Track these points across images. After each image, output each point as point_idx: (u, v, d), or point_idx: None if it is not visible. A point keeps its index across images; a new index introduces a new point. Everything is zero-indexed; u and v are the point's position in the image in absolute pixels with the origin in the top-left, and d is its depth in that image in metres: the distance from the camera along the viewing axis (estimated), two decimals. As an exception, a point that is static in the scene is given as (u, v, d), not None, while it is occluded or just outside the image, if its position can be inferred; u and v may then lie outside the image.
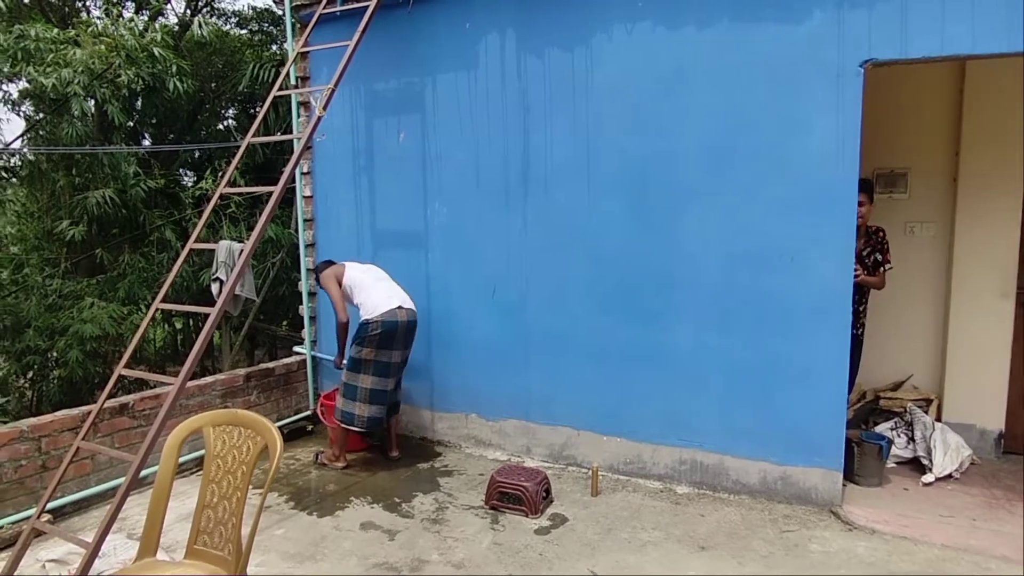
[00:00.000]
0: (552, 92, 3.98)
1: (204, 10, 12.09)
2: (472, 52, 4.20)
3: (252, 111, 11.61)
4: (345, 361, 4.11)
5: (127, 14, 9.34)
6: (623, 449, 4.00)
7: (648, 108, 3.72)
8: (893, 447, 4.00)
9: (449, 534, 3.30)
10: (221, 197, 3.72)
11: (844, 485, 3.50)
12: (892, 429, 4.18)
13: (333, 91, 3.63)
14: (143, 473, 2.91)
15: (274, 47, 11.59)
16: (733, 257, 3.58)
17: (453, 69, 4.29)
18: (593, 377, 4.04)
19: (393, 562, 3.03)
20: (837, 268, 3.34)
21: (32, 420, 3.41)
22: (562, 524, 3.40)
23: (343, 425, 4.05)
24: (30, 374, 9.07)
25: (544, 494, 3.58)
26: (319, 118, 3.58)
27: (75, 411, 3.57)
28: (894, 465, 4.02)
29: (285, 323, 10.88)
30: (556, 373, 4.16)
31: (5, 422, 4.60)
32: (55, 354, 8.42)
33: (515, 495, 3.51)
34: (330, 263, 4.29)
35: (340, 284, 4.10)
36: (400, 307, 3.99)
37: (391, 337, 3.95)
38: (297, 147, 3.60)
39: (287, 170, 3.46)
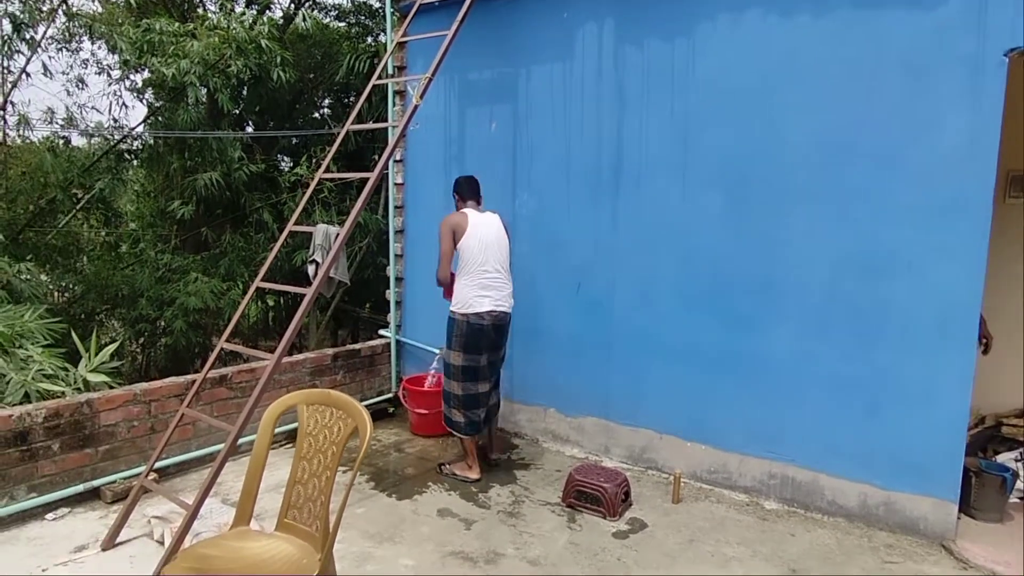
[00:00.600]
0: (650, 84, 3.85)
1: (307, 3, 12.60)
2: (568, 42, 4.12)
3: (346, 101, 12.02)
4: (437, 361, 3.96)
5: (238, 8, 9.84)
6: (707, 457, 3.84)
7: (753, 102, 3.52)
8: (1018, 480, 3.63)
9: (525, 529, 3.28)
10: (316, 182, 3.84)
11: (958, 518, 3.20)
12: (1017, 460, 3.80)
13: (430, 80, 3.65)
14: (238, 442, 3.04)
15: (369, 39, 11.95)
16: (841, 262, 3.33)
17: (548, 60, 4.23)
18: (679, 379, 3.90)
19: (469, 552, 3.03)
20: (964, 279, 3.04)
21: (144, 385, 3.66)
22: (641, 530, 3.30)
23: (458, 435, 3.83)
24: (141, 340, 9.80)
25: (623, 496, 3.49)
26: (415, 106, 3.61)
27: (181, 379, 3.79)
28: (1017, 500, 3.64)
29: (368, 305, 11.21)
30: (640, 373, 4.04)
31: (120, 384, 5.00)
32: (163, 323, 9.05)
33: (593, 495, 3.44)
34: (458, 192, 3.87)
35: (455, 241, 3.66)
36: (492, 311, 3.66)
37: (477, 339, 3.68)
38: (393, 135, 3.66)
39: (383, 157, 3.52)
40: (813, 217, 3.39)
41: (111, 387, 4.49)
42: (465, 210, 3.79)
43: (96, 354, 4.12)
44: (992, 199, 2.99)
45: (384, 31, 11.93)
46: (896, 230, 3.19)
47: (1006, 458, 3.83)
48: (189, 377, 3.81)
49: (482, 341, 3.71)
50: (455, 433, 3.85)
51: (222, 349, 3.42)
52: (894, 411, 3.26)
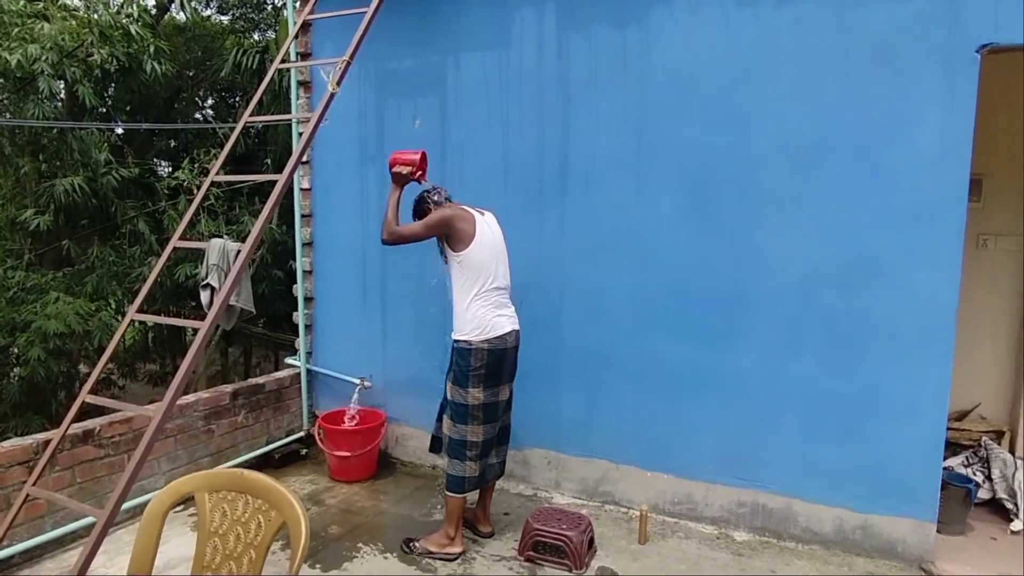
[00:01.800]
0: (598, 76, 3.46)
1: (184, -9, 11.44)
2: (504, 28, 3.66)
3: (232, 101, 10.99)
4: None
5: (101, -11, 8.64)
6: (670, 487, 3.50)
7: (715, 97, 3.22)
8: (980, 489, 3.56)
9: (481, 596, 2.77)
10: (200, 188, 3.13)
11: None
12: (965, 466, 3.74)
13: (349, 63, 3.07)
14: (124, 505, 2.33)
15: (256, 35, 11.01)
16: (814, 270, 3.09)
17: (481, 48, 3.74)
18: (636, 403, 3.53)
19: (419, 636, 2.49)
20: (943, 285, 2.87)
21: (-27, 453, 2.80)
22: (613, 582, 2.89)
23: (453, 495, 3.05)
24: (-12, 371, 8.35)
25: (588, 544, 3.06)
26: (331, 95, 3.01)
27: (27, 440, 2.95)
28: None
29: (263, 321, 10.28)
30: (593, 397, 3.64)
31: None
32: (16, 351, 7.76)
33: (555, 545, 2.99)
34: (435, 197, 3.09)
35: (447, 230, 2.95)
36: (513, 331, 3.04)
37: (499, 366, 3.00)
38: (300, 130, 3.03)
39: (294, 155, 2.90)
40: (784, 221, 3.13)
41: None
42: (465, 206, 3.05)
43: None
44: (967, 201, 2.84)
45: (272, 27, 11.02)
46: (872, 234, 2.97)
47: (954, 463, 3.78)
48: (39, 437, 2.98)
49: (504, 368, 3.03)
50: (453, 494, 3.02)
51: (85, 401, 2.66)
52: (872, 428, 3.05)
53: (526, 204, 3.68)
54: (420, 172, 3.10)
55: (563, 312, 3.67)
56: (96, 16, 7.48)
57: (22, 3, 7.27)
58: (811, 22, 2.99)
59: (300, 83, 4.32)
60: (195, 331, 2.53)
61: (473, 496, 3.25)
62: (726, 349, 3.30)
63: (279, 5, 11.53)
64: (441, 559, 3.03)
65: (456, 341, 2.99)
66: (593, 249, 3.56)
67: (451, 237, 2.95)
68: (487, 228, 3.02)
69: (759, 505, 3.30)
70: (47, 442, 2.92)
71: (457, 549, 3.06)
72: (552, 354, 3.71)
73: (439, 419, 3.23)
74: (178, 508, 3.49)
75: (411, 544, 3.13)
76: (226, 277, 2.74)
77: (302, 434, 4.37)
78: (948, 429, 4.07)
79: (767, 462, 3.26)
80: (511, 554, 3.11)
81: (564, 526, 3.02)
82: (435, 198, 3.10)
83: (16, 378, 8.06)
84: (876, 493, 3.06)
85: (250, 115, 3.35)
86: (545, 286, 3.69)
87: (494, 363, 2.97)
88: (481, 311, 2.95)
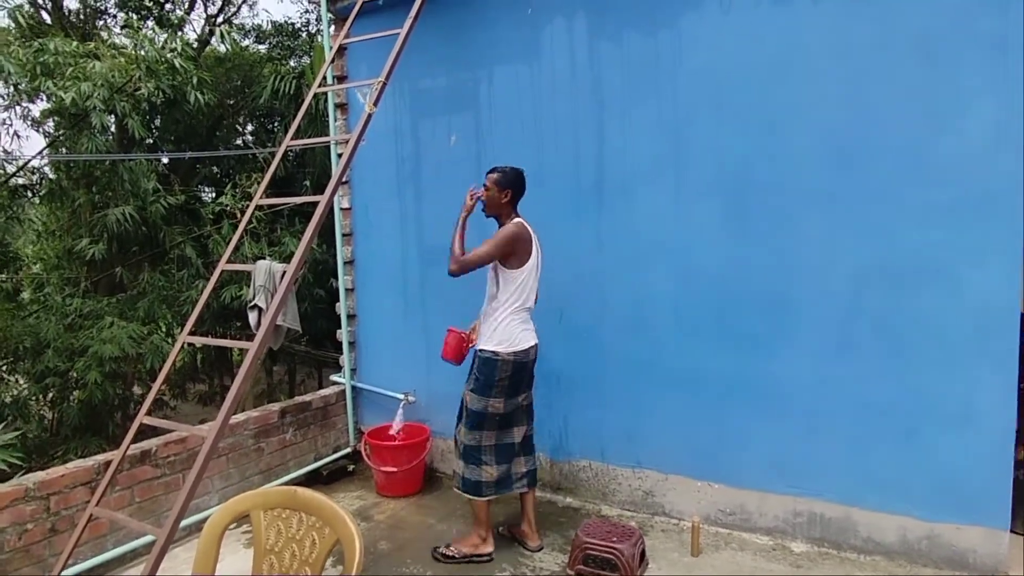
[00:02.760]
0: (632, 83, 3.45)
1: (223, 26, 11.87)
2: (535, 41, 3.68)
3: (270, 127, 11.31)
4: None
5: (147, 28, 9.03)
6: (721, 497, 3.42)
7: (751, 99, 3.17)
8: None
9: (533, 611, 2.74)
10: (242, 212, 3.22)
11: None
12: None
13: (384, 84, 3.12)
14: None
15: (292, 61, 11.33)
16: (862, 272, 2.99)
17: (512, 61, 3.77)
18: (683, 412, 3.47)
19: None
20: (1000, 283, 2.74)
21: (40, 475, 2.91)
22: (667, 596, 2.83)
23: (472, 496, 3.13)
24: (50, 395, 8.72)
25: (640, 557, 3.00)
26: (369, 115, 3.07)
27: (89, 462, 3.06)
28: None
29: (305, 340, 10.49)
30: (638, 408, 3.59)
31: (19, 460, 4.14)
32: (75, 375, 8.08)
33: (606, 559, 2.94)
34: (510, 191, 3.12)
35: (515, 249, 3.01)
36: (535, 344, 3.14)
37: (520, 377, 3.11)
38: (339, 152, 3.09)
39: (335, 177, 2.95)
40: (828, 223, 3.05)
41: (7, 470, 3.70)
42: (522, 220, 3.10)
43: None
44: (1023, 194, 2.71)
45: (307, 52, 11.33)
46: (921, 233, 2.87)
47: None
48: (100, 458, 3.08)
49: (524, 379, 3.14)
50: (474, 497, 3.11)
51: (143, 423, 2.75)
52: (931, 434, 2.93)
53: (564, 215, 3.68)
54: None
55: (604, 322, 3.64)
56: (143, 52, 7.79)
57: (75, 44, 7.63)
58: (849, 16, 2.93)
59: (337, 105, 4.41)
60: (242, 352, 2.59)
61: (512, 510, 3.22)
62: (773, 355, 3.22)
63: (313, 32, 11.85)
64: (475, 560, 3.11)
65: (482, 351, 3.08)
66: (632, 258, 3.53)
67: (510, 255, 3.02)
68: (536, 249, 3.11)
69: (816, 515, 3.19)
70: (107, 463, 3.03)
71: (489, 549, 3.16)
72: (595, 365, 3.68)
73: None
74: (231, 526, 3.56)
75: (441, 552, 3.18)
76: (272, 297, 2.80)
77: (349, 450, 4.42)
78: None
79: (822, 470, 3.16)
80: (559, 568, 3.07)
81: (615, 539, 2.97)
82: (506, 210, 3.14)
83: (75, 401, 8.38)
84: (941, 501, 2.93)
85: (290, 139, 3.43)
86: (585, 297, 3.67)
87: (516, 375, 3.07)
88: (512, 326, 3.05)
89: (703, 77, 3.27)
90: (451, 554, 3.16)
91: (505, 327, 3.04)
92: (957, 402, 2.87)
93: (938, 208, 2.83)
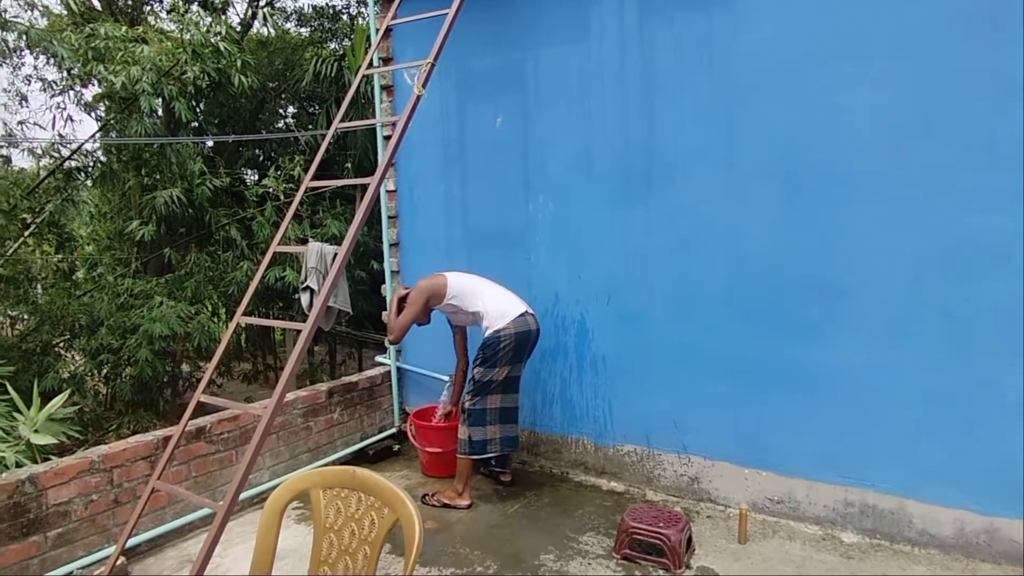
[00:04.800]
0: (684, 63, 3.36)
1: (265, 8, 11.99)
2: (584, 20, 3.61)
3: (311, 109, 11.42)
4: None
5: (192, 12, 9.15)
6: (769, 485, 3.36)
7: (808, 79, 3.06)
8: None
9: (580, 594, 2.75)
10: (286, 194, 3.26)
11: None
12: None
13: (433, 65, 3.11)
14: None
15: (333, 44, 11.39)
16: (922, 258, 2.89)
17: (560, 42, 3.71)
18: (731, 399, 3.42)
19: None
20: (1073, 271, 2.62)
21: (103, 449, 3.03)
22: (715, 583, 2.81)
23: (474, 457, 3.50)
24: (104, 371, 9.08)
25: (687, 543, 2.98)
26: (418, 97, 3.06)
27: (148, 437, 3.17)
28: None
29: (346, 320, 10.67)
30: (685, 393, 3.55)
31: (77, 432, 4.32)
32: (127, 353, 8.38)
33: (653, 544, 2.93)
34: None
35: (430, 300, 3.52)
36: (528, 312, 3.47)
37: (522, 347, 3.45)
38: (387, 133, 3.10)
39: (384, 159, 2.96)
40: (886, 207, 2.94)
41: (66, 441, 3.84)
42: (421, 284, 3.58)
43: (43, 405, 3.46)
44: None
45: (348, 35, 11.37)
46: (985, 217, 2.75)
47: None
48: (159, 434, 3.19)
49: (527, 346, 3.49)
50: (474, 455, 3.49)
51: (196, 379, 2.83)
52: (992, 425, 2.82)
53: (612, 199, 3.63)
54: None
55: (652, 306, 3.59)
56: (188, 36, 7.92)
57: (124, 29, 7.79)
58: (917, -11, 2.79)
59: (383, 87, 4.41)
60: (286, 332, 2.63)
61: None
62: (826, 342, 3.14)
63: (354, 15, 11.86)
64: (454, 508, 3.51)
65: (485, 338, 3.42)
66: (681, 242, 3.47)
67: (431, 304, 3.52)
68: (457, 277, 3.57)
69: (868, 505, 3.12)
70: (166, 439, 3.13)
71: (466, 502, 3.54)
72: (641, 349, 3.65)
73: None
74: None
75: (427, 497, 3.60)
76: (324, 279, 2.84)
77: (394, 430, 4.48)
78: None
79: (875, 460, 3.08)
80: (605, 551, 3.07)
81: (661, 524, 2.95)
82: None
83: (127, 377, 8.70)
84: (1002, 494, 2.83)
85: (340, 121, 3.44)
86: (633, 281, 3.63)
87: (520, 343, 3.41)
88: (496, 303, 3.45)
89: (756, 57, 3.17)
90: (432, 502, 3.56)
91: (493, 307, 3.44)
92: (1019, 392, 2.75)
93: (1001, 191, 2.70)
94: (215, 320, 8.23)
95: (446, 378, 4.22)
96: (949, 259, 2.84)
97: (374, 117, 4.51)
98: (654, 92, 3.45)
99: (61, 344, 8.98)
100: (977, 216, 2.77)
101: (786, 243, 3.19)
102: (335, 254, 2.83)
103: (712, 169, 3.34)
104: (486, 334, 3.43)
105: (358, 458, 4.20)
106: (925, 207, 2.86)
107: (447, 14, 3.23)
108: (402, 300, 3.57)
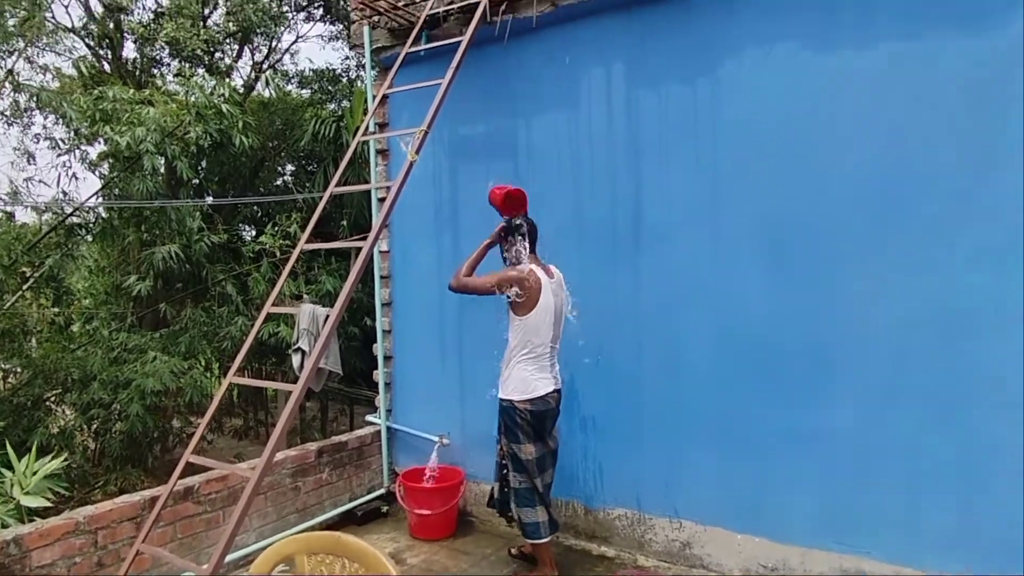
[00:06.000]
0: (669, 131, 3.50)
1: (268, 71, 12.42)
2: (573, 89, 3.77)
3: (309, 168, 11.71)
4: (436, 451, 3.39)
5: (197, 77, 9.50)
6: (763, 551, 3.31)
7: (793, 145, 3.18)
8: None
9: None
10: (282, 251, 3.33)
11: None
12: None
13: (427, 133, 3.23)
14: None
15: (332, 105, 11.77)
16: (910, 319, 2.94)
17: (551, 109, 3.87)
18: (723, 462, 3.40)
19: None
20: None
21: (89, 509, 2.99)
22: (708, 655, 2.73)
23: (538, 541, 3.21)
24: (94, 426, 8.98)
25: (679, 612, 2.92)
26: (411, 163, 3.17)
27: (135, 497, 3.13)
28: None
29: (338, 378, 10.60)
30: (676, 455, 3.54)
31: (64, 489, 4.24)
32: (118, 407, 8.31)
33: (644, 613, 2.87)
34: (520, 238, 3.21)
35: (513, 305, 3.14)
36: (554, 391, 3.22)
37: (543, 423, 3.21)
38: (390, 196, 3.20)
39: (377, 223, 3.05)
40: (873, 269, 3.00)
41: (50, 501, 3.78)
42: (534, 268, 3.18)
43: (34, 460, 3.42)
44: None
45: (347, 96, 11.74)
46: (971, 277, 2.81)
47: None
48: (146, 494, 3.15)
49: (547, 424, 3.25)
50: (540, 540, 3.20)
51: (184, 434, 2.81)
52: (991, 489, 2.80)
53: (601, 260, 3.71)
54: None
55: (642, 368, 3.62)
56: (193, 98, 8.20)
57: (131, 92, 8.06)
58: (892, 64, 2.94)
59: (378, 151, 4.56)
60: (276, 392, 2.64)
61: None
62: (817, 404, 3.15)
63: (353, 77, 12.28)
64: None
65: (501, 400, 3.23)
66: (670, 304, 3.52)
67: (519, 299, 3.14)
68: (550, 295, 3.18)
69: (864, 574, 3.07)
70: (153, 499, 3.09)
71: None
72: (632, 410, 3.65)
73: (497, 477, 3.41)
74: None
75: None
76: (316, 341, 2.87)
77: (383, 491, 4.42)
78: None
79: (870, 526, 3.05)
80: (597, 621, 3.01)
81: (653, 592, 2.90)
82: (514, 251, 3.23)
83: (117, 432, 8.59)
84: (1004, 560, 2.79)
85: (334, 186, 3.54)
86: (623, 342, 3.66)
87: (537, 422, 3.18)
88: (524, 372, 3.16)
89: (742, 124, 3.30)
90: None
91: (517, 375, 3.17)
92: (1014, 453, 2.76)
93: (987, 252, 2.78)
94: (208, 375, 8.20)
95: (435, 438, 4.20)
96: (936, 320, 2.88)
97: (370, 177, 4.63)
98: (642, 158, 3.57)
99: (52, 398, 8.91)
100: (963, 276, 2.81)
101: (775, 303, 3.24)
102: (327, 316, 2.87)
103: (699, 232, 3.42)
104: (501, 398, 3.23)
105: (346, 519, 4.13)
106: (911, 268, 2.91)
107: (441, 84, 3.38)
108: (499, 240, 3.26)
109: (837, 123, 3.08)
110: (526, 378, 3.15)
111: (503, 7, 3.82)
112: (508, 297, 3.16)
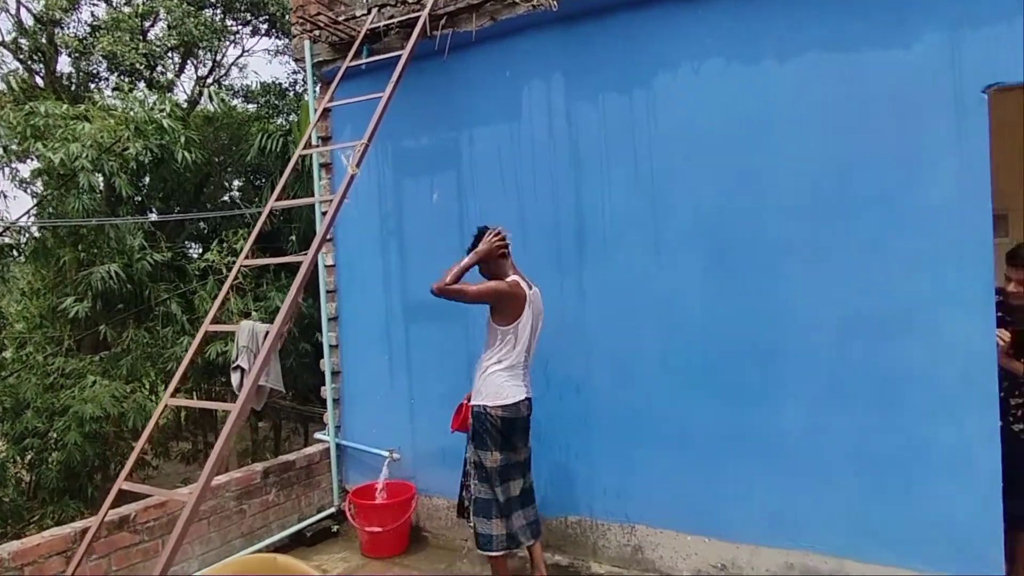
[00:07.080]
0: (608, 141, 3.56)
1: (212, 86, 12.16)
2: (514, 102, 3.81)
3: (257, 183, 11.47)
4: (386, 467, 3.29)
5: (138, 91, 9.23)
6: (713, 551, 3.36)
7: (726, 154, 3.26)
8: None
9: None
10: (228, 268, 3.25)
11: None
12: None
13: (367, 146, 3.21)
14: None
15: (279, 119, 11.59)
16: (847, 321, 3.02)
17: (492, 121, 3.89)
18: (672, 465, 3.45)
19: None
20: (976, 328, 2.79)
21: (14, 545, 2.83)
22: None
23: (487, 552, 3.16)
24: (28, 457, 8.53)
25: (631, 617, 2.93)
26: (352, 176, 3.14)
27: (65, 530, 2.99)
28: None
29: (291, 395, 10.39)
30: (626, 461, 3.57)
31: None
32: (54, 436, 7.92)
33: (596, 620, 2.87)
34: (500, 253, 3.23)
35: (498, 300, 3.13)
36: (526, 399, 3.21)
37: (512, 431, 3.17)
38: (331, 209, 3.15)
39: (318, 236, 3.00)
40: (810, 274, 3.10)
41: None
42: (519, 280, 3.21)
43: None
44: (992, 242, 2.80)
45: (294, 110, 11.59)
46: (901, 282, 2.92)
47: None
48: (77, 526, 3.01)
49: (518, 432, 3.21)
50: (491, 552, 3.13)
51: (122, 489, 2.70)
52: (926, 482, 2.91)
53: (546, 269, 3.71)
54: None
55: (590, 375, 3.65)
56: (132, 113, 7.94)
57: (65, 107, 7.77)
58: (814, 74, 3.05)
59: (322, 165, 4.50)
60: (226, 413, 2.57)
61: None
62: (762, 406, 3.22)
63: (300, 91, 12.13)
64: None
65: (473, 406, 3.20)
66: (615, 311, 3.56)
67: (497, 311, 3.16)
68: (530, 309, 3.21)
69: (809, 567, 3.14)
70: (85, 531, 2.95)
71: None
72: (581, 419, 3.67)
73: (462, 485, 3.35)
74: None
75: None
76: (255, 359, 2.80)
77: (333, 510, 4.32)
78: None
79: (814, 522, 3.13)
80: (551, 631, 2.99)
81: (604, 599, 2.91)
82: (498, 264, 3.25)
83: (54, 463, 8.19)
84: (937, 551, 2.88)
85: (275, 199, 3.48)
86: (570, 350, 3.69)
87: (507, 429, 3.15)
88: (498, 379, 3.16)
89: (679, 134, 3.38)
90: None
91: (492, 382, 3.17)
92: (948, 450, 2.86)
93: (915, 257, 2.89)
94: (152, 399, 7.91)
95: (385, 453, 4.13)
96: (871, 322, 2.98)
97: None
98: (582, 168, 3.62)
99: (-19, 429, 8.44)
100: (894, 280, 2.92)
101: (718, 309, 3.30)
102: (267, 332, 2.81)
103: (640, 240, 3.48)
104: (474, 404, 3.19)
105: (295, 541, 4.02)
106: (846, 273, 3.01)
107: (381, 97, 3.36)
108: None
109: (769, 134, 3.17)
110: (500, 384, 3.15)
111: (443, 21, 3.84)
112: (490, 306, 3.18)
